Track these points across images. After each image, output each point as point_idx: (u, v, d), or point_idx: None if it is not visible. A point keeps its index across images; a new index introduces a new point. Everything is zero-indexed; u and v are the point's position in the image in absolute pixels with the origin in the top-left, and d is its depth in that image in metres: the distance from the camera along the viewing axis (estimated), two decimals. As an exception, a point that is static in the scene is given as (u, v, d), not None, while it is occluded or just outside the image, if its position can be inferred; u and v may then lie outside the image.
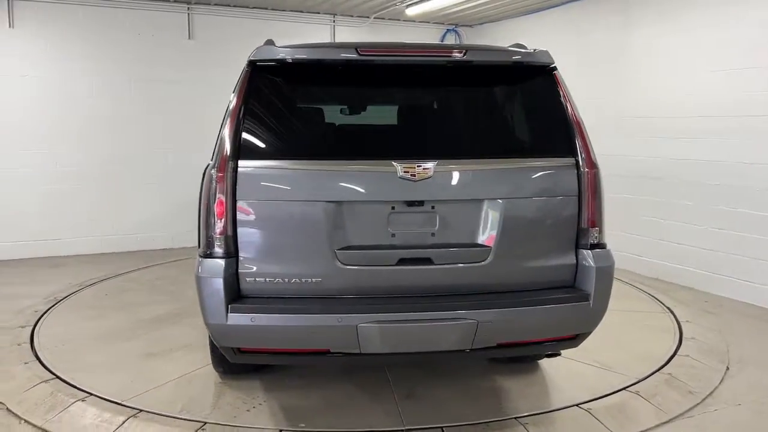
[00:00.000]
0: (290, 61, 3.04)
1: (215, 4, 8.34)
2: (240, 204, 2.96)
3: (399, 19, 9.37)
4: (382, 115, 3.36)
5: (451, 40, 9.81)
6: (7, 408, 3.75)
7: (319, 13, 8.95)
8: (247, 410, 3.66)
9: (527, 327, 3.11)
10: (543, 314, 3.08)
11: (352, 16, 9.13)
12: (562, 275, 3.20)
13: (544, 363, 4.37)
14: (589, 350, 4.51)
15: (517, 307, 3.05)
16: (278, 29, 8.60)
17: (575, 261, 3.20)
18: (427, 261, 3.06)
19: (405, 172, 2.97)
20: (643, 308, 5.73)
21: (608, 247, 3.27)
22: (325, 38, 9.04)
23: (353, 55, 3.01)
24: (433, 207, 3.07)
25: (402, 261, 3.04)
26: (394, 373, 4.13)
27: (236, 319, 2.92)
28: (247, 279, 3.01)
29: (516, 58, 3.20)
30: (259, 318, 2.92)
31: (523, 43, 3.41)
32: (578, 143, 3.18)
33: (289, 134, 3.10)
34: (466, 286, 3.11)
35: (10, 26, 7.49)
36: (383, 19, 9.27)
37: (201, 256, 2.99)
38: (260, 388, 3.94)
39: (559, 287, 3.21)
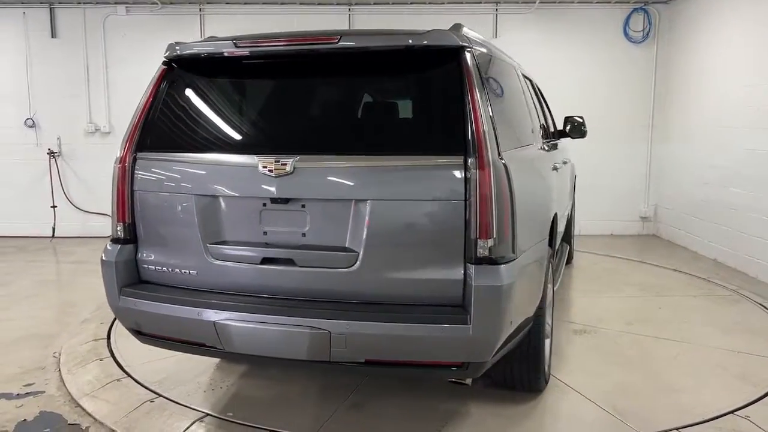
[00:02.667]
0: (177, 57, 3.13)
1: (374, 3, 8.61)
2: (137, 193, 3.16)
3: (572, 2, 8.55)
4: (263, 108, 3.23)
5: (637, 20, 8.63)
6: (58, 358, 4.51)
7: (480, 2, 8.64)
8: (204, 391, 3.86)
9: (392, 345, 2.74)
10: (407, 333, 2.68)
11: (517, 2, 8.62)
12: (450, 292, 2.74)
13: (548, 395, 3.74)
14: (625, 389, 3.84)
15: (376, 321, 2.71)
16: (436, 23, 8.52)
17: (463, 276, 2.71)
18: (290, 262, 2.89)
19: (264, 167, 2.85)
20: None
21: (509, 263, 2.70)
22: (487, 30, 8.67)
23: (230, 48, 2.98)
24: (303, 206, 2.88)
25: (266, 260, 2.93)
26: (368, 380, 3.92)
27: (126, 302, 3.13)
28: (144, 266, 3.20)
29: (397, 42, 2.82)
30: (140, 303, 3.09)
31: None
32: (471, 139, 2.68)
33: (179, 129, 3.18)
34: (332, 293, 2.86)
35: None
36: (553, 2, 8.56)
37: (109, 241, 3.27)
38: (237, 373, 4.10)
39: (446, 305, 2.75)
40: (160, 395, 3.80)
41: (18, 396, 3.89)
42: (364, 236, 2.77)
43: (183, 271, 3.08)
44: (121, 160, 3.16)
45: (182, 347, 3.19)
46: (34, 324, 5.27)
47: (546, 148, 4.51)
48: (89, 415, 3.64)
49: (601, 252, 7.82)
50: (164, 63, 3.24)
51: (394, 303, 2.80)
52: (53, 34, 8.76)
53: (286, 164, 2.80)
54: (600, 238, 8.78)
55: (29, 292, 6.30)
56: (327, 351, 2.76)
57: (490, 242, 2.66)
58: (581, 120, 5.94)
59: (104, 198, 8.81)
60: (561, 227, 5.36)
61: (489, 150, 2.67)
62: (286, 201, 2.87)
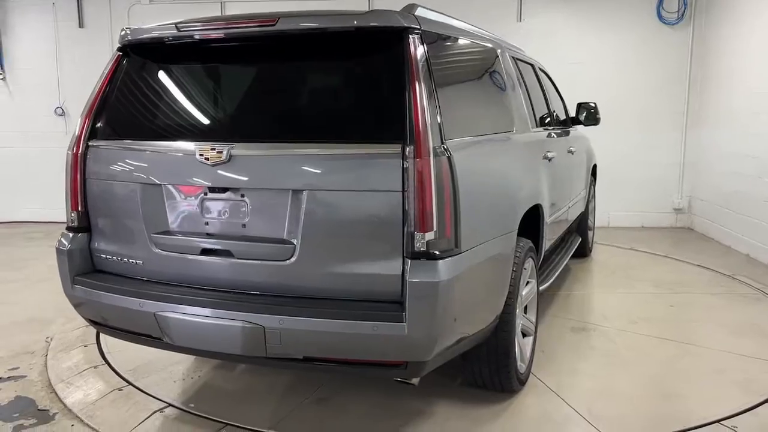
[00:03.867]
0: (127, 42, 3.06)
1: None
2: (89, 182, 3.12)
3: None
4: (204, 94, 3.11)
5: (672, 0, 8.14)
6: (49, 343, 4.57)
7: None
8: (174, 381, 3.82)
9: (327, 342, 2.62)
10: (341, 330, 2.55)
11: (543, -15, 8.27)
12: (388, 287, 2.59)
13: (524, 396, 3.54)
14: (608, 393, 3.64)
15: (309, 317, 2.59)
16: (463, 10, 8.28)
17: (401, 271, 2.56)
18: (228, 254, 2.80)
19: (200, 155, 2.75)
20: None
21: (451, 257, 2.54)
22: (511, 14, 8.36)
23: (172, 32, 2.89)
24: (243, 195, 2.78)
25: (205, 251, 2.84)
26: (340, 375, 3.81)
27: (78, 291, 3.11)
28: (96, 254, 3.17)
29: (336, 24, 2.67)
30: (89, 293, 3.06)
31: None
32: (410, 126, 2.51)
33: (129, 116, 3.12)
34: (269, 286, 2.75)
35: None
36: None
37: (65, 229, 3.25)
38: (212, 364, 4.05)
39: (386, 301, 2.60)
40: (131, 384, 3.79)
41: (0, 380, 3.95)
42: (301, 228, 2.65)
43: (130, 260, 3.03)
44: (74, 148, 3.12)
45: (135, 338, 3.14)
46: (37, 308, 5.37)
47: (542, 135, 4.28)
48: (60, 401, 3.65)
49: (625, 245, 7.46)
50: (119, 49, 3.18)
51: (333, 298, 2.67)
52: (80, 24, 8.93)
53: (221, 152, 2.71)
54: (629, 230, 8.40)
55: (42, 277, 6.44)
56: (262, 346, 2.66)
57: (429, 236, 2.50)
58: (594, 106, 5.66)
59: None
60: (569, 216, 5.12)
61: (429, 138, 2.49)
62: (224, 190, 2.78)
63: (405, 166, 2.49)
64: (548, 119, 4.75)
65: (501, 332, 3.19)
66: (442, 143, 2.57)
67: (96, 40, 8.93)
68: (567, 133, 5.29)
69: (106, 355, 4.23)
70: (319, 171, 2.63)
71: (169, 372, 3.94)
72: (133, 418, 3.39)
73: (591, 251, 6.87)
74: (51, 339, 4.64)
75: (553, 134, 4.64)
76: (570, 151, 5.10)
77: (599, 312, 5.03)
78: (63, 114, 9.08)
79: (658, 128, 8.44)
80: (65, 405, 3.60)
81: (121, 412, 3.47)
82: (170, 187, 2.92)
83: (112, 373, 3.97)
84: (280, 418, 3.35)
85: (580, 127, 5.89)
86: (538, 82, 4.76)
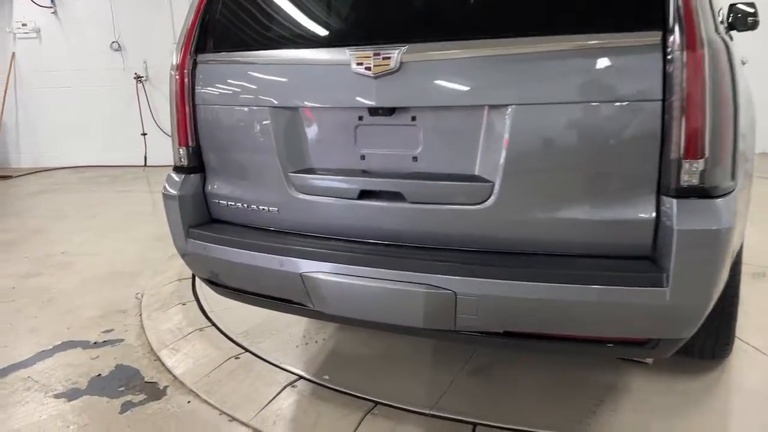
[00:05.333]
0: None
1: None
2: (199, 108, 2.45)
3: None
4: None
5: None
6: (140, 300, 4.06)
7: None
8: (297, 346, 3.25)
9: (543, 313, 1.93)
10: (566, 297, 1.86)
11: None
12: (632, 238, 1.87)
13: (733, 363, 2.86)
14: None
15: (521, 280, 1.90)
16: None
17: (655, 215, 1.83)
18: (398, 197, 2.11)
19: (359, 64, 2.03)
20: None
21: (727, 195, 1.80)
22: None
23: None
24: (413, 118, 2.07)
25: (365, 194, 2.16)
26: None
27: (194, 246, 2.49)
28: (213, 200, 2.53)
29: None
30: (211, 249, 2.43)
31: None
32: (675, 4, 1.74)
33: (248, 18, 2.40)
34: (457, 238, 2.06)
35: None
36: None
37: (172, 170, 2.61)
38: (334, 325, 3.45)
39: (625, 257, 1.90)
40: (247, 350, 3.24)
41: (95, 345, 3.46)
42: (503, 159, 1.93)
43: (261, 207, 2.38)
44: (179, 67, 2.44)
45: (266, 303, 2.52)
46: (118, 260, 4.89)
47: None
48: (168, 371, 3.14)
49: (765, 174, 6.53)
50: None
51: (546, 254, 1.97)
52: (132, -53, 8.18)
53: (389, 58, 1.98)
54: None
55: (117, 225, 5.97)
56: (451, 317, 2.00)
57: (701, 164, 1.75)
58: (754, 9, 4.67)
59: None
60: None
61: (702, 21, 1.72)
62: (391, 112, 2.07)
63: (668, 63, 1.73)
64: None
65: (729, 288, 2.45)
66: (717, 30, 1.79)
67: (150, -36, 8.19)
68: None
69: (209, 315, 3.69)
70: (530, 77, 1.89)
71: (287, 335, 3.36)
72: (261, 395, 2.83)
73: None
74: (141, 295, 4.13)
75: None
76: (743, 62, 4.19)
77: (772, 253, 4.24)
78: (119, 49, 8.45)
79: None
80: (175, 376, 3.07)
81: (244, 386, 2.91)
82: (312, 110, 2.22)
83: (222, 336, 3.42)
84: (437, 395, 2.73)
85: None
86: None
